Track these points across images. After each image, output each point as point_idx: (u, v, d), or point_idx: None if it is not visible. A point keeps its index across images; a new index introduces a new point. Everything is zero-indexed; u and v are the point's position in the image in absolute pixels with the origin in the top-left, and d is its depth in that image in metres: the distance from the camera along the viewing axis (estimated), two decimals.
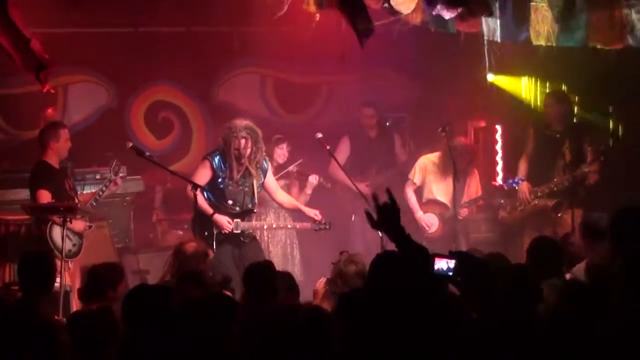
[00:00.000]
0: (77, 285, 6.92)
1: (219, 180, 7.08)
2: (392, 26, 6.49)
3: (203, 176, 7.08)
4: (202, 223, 7.06)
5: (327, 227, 7.23)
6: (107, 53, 8.92)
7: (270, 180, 7.37)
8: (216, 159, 7.09)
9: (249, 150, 7.03)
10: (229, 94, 9.94)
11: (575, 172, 7.75)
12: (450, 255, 4.11)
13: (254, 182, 7.14)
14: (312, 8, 6.15)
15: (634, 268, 3.93)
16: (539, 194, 8.02)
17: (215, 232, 6.99)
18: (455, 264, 4.03)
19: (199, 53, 9.25)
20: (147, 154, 7.04)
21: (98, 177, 8.06)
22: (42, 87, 6.26)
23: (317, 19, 6.22)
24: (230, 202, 7.09)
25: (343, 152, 8.61)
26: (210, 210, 7.01)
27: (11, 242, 7.12)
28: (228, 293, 5.50)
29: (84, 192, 7.78)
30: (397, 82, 9.65)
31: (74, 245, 7.04)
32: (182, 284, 5.01)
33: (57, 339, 4.19)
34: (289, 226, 7.52)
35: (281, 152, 8.16)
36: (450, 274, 4.05)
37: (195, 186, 6.77)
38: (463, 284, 4.01)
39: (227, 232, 7.00)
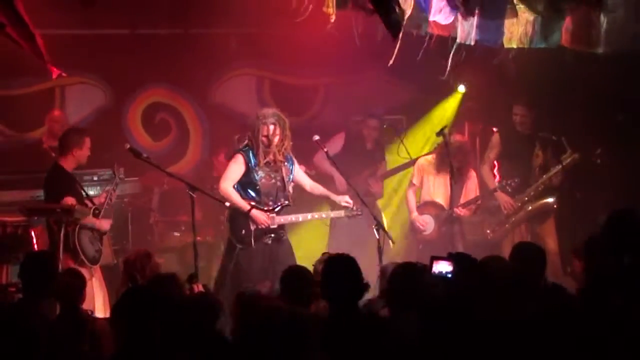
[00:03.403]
0: (103, 293, 6.99)
1: (253, 174, 7.01)
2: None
3: (236, 171, 7.02)
4: (239, 221, 6.99)
5: (360, 213, 7.11)
6: (105, 55, 9.00)
7: (298, 171, 7.29)
8: (250, 153, 7.03)
9: (277, 137, 6.97)
10: (225, 96, 10.00)
11: (563, 162, 7.94)
12: (448, 258, 4.23)
13: (284, 175, 7.08)
14: (330, 10, 6.20)
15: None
16: (525, 198, 8.16)
17: (252, 229, 6.94)
18: (454, 266, 4.14)
19: (196, 55, 9.30)
20: (145, 155, 6.97)
21: (95, 178, 8.06)
22: (52, 73, 6.33)
23: (333, 20, 6.26)
24: (264, 197, 7.02)
25: (335, 147, 8.48)
26: (247, 207, 6.93)
27: (8, 244, 7.07)
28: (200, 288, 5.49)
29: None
30: (394, 85, 9.69)
31: (96, 251, 7.07)
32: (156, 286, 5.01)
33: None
34: (324, 216, 7.39)
35: None
36: (449, 275, 4.18)
37: (193, 188, 6.67)
38: (461, 286, 4.11)
39: (264, 227, 6.95)
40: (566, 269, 7.57)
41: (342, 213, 7.16)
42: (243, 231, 6.94)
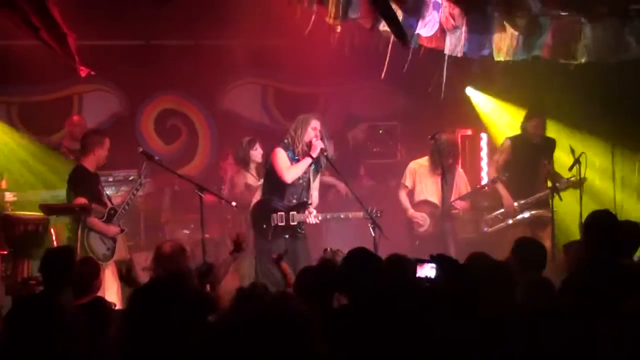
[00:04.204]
0: (117, 285, 7.15)
1: None
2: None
3: (285, 159, 7.15)
4: (261, 216, 7.18)
5: (379, 214, 7.08)
6: (120, 64, 9.17)
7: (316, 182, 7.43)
8: (287, 151, 7.21)
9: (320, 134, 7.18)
10: (232, 103, 10.18)
11: (560, 182, 8.07)
12: (431, 260, 4.30)
13: (311, 177, 7.27)
14: (333, 21, 6.32)
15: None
16: (525, 206, 8.31)
17: (272, 225, 7.10)
18: (437, 268, 4.22)
19: (205, 65, 9.48)
20: (156, 158, 7.23)
21: (110, 179, 8.26)
22: (81, 72, 6.37)
23: (339, 30, 6.40)
24: (288, 194, 7.21)
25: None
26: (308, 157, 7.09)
27: (29, 240, 7.35)
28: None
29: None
30: (389, 93, 9.84)
31: (108, 249, 7.27)
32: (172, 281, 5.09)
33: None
34: (342, 216, 7.43)
35: (256, 153, 8.41)
36: (433, 278, 4.24)
37: (201, 189, 6.87)
38: (445, 288, 4.11)
39: (320, 148, 7.09)
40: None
41: (360, 214, 7.17)
42: (264, 226, 7.11)
